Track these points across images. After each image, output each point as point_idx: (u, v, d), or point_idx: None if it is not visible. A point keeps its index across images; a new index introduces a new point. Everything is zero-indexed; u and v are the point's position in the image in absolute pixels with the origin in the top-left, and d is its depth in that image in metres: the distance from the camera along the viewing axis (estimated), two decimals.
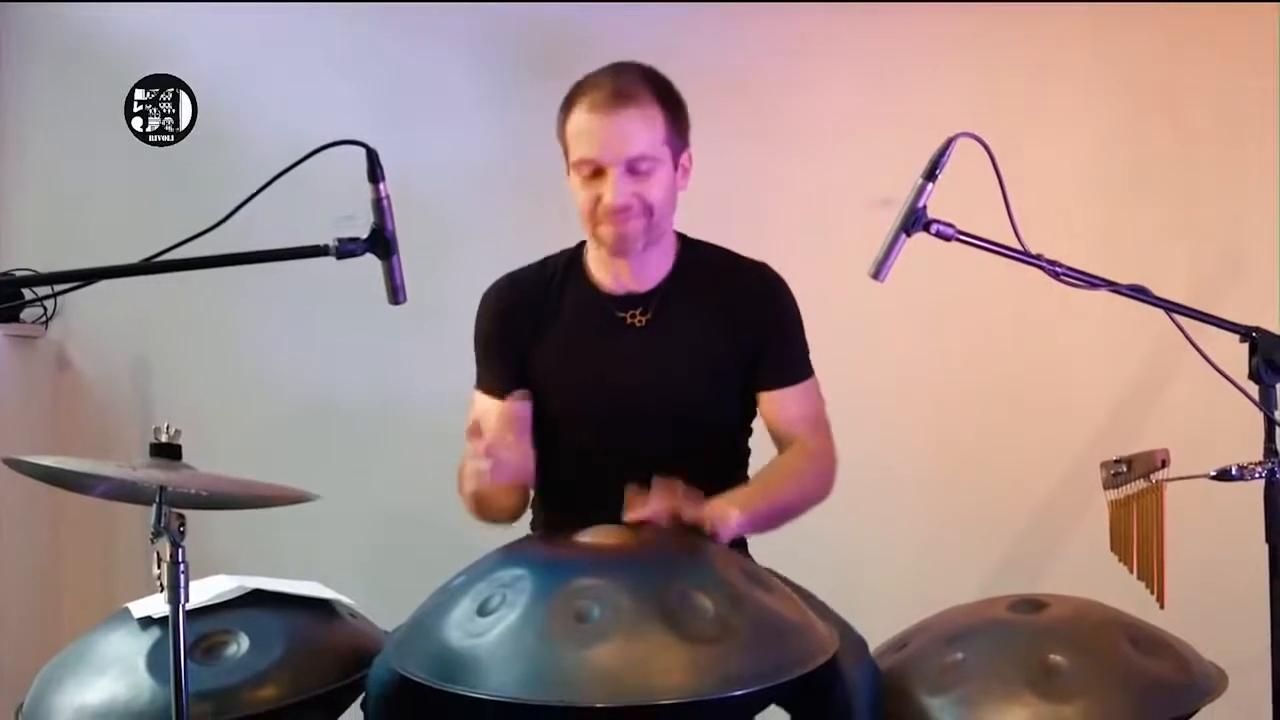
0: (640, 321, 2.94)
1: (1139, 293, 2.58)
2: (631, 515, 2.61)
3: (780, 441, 2.95)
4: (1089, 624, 2.70)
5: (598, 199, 2.81)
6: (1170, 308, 2.58)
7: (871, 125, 4.25)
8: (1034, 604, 2.75)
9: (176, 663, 2.30)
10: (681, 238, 2.99)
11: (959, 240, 2.49)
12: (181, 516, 2.30)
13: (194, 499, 2.44)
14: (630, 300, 2.94)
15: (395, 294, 2.47)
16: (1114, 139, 4.20)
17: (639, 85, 2.82)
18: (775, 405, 2.95)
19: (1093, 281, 2.54)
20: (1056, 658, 2.57)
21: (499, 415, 2.91)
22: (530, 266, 3.04)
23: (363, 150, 2.42)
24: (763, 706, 2.55)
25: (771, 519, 2.81)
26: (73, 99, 4.42)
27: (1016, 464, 4.14)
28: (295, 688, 2.61)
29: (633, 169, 2.79)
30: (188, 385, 4.39)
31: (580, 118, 2.82)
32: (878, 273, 2.51)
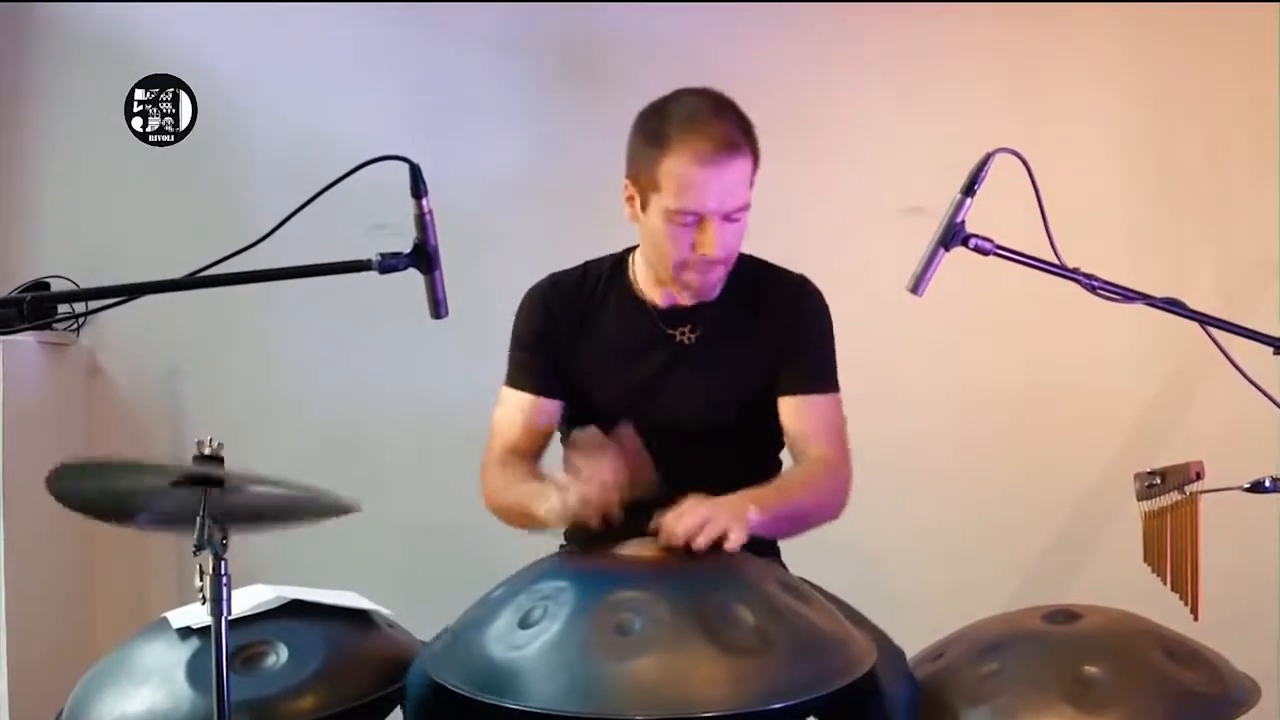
0: (689, 339, 2.94)
1: (1174, 306, 2.59)
2: (664, 542, 2.56)
3: (796, 453, 2.92)
4: (1123, 635, 2.70)
5: (692, 247, 2.78)
6: (1205, 320, 2.59)
7: (901, 131, 4.26)
8: (1068, 615, 2.76)
9: (219, 675, 2.30)
10: None
11: (997, 255, 2.50)
12: (224, 529, 2.31)
13: (238, 516, 2.44)
14: (677, 315, 2.94)
15: (438, 308, 2.48)
16: (1144, 146, 4.20)
17: (738, 132, 2.77)
18: (795, 411, 2.91)
19: (1128, 295, 2.55)
20: (1091, 669, 2.57)
21: (527, 413, 2.94)
22: (573, 270, 3.03)
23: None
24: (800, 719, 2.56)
25: (785, 523, 2.76)
26: (100, 102, 4.40)
27: (1046, 473, 4.14)
28: (334, 698, 2.62)
29: (730, 218, 2.78)
30: (219, 392, 4.39)
31: (685, 166, 2.74)
32: (916, 287, 2.53)
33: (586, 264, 3.05)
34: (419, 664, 2.59)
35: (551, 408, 2.96)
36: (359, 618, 2.84)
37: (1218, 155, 4.15)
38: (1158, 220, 4.16)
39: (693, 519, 2.52)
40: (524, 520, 2.79)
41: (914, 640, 2.85)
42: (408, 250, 2.44)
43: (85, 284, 4.29)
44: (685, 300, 2.93)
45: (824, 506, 2.83)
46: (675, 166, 2.75)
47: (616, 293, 2.98)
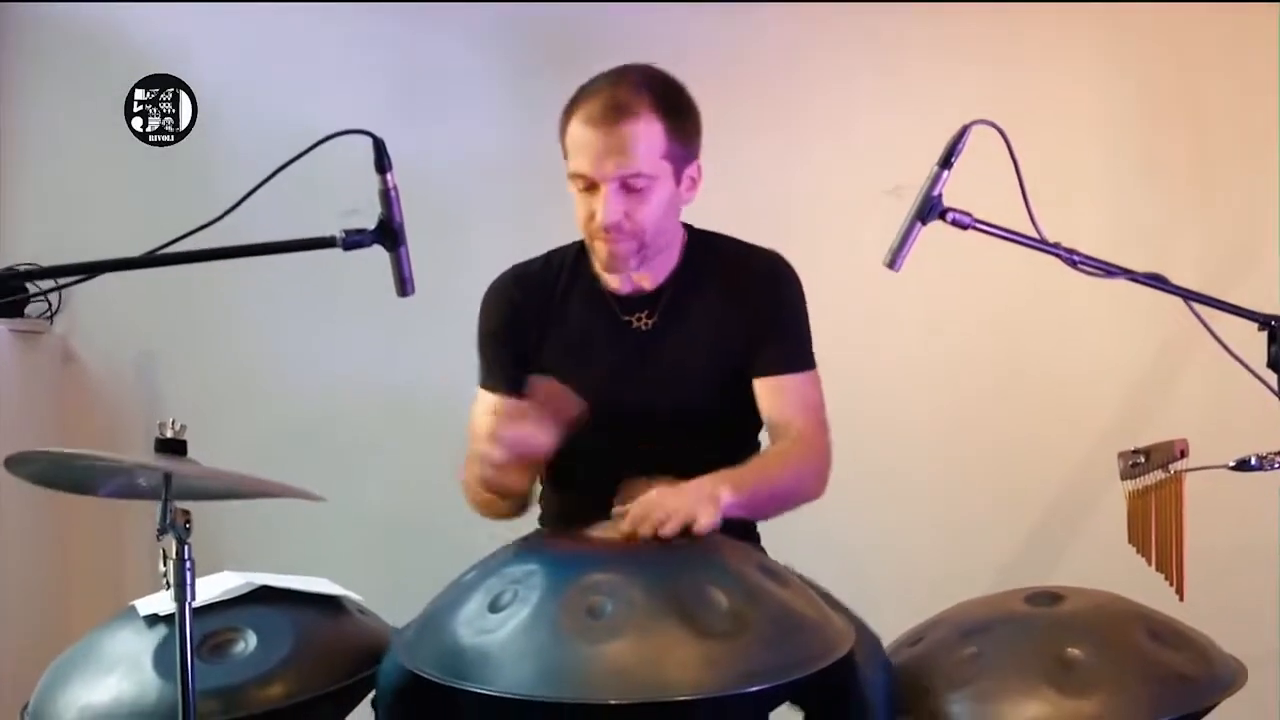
0: (645, 325, 2.88)
1: (1156, 281, 2.55)
2: (625, 530, 2.53)
3: (775, 433, 2.86)
4: (1107, 617, 2.66)
5: (592, 214, 2.75)
6: (1188, 295, 2.55)
7: (882, 113, 4.23)
8: (1051, 597, 2.72)
9: (183, 661, 2.27)
10: (689, 230, 2.93)
11: (976, 229, 2.45)
12: (187, 513, 2.27)
13: (199, 490, 2.40)
14: (637, 301, 2.89)
15: (403, 286, 2.43)
16: (1125, 127, 4.17)
17: (639, 96, 2.73)
18: (771, 393, 2.86)
19: (1109, 270, 2.51)
20: (1074, 651, 2.53)
21: (499, 413, 2.85)
22: (534, 261, 2.98)
23: (369, 141, 2.39)
24: (775, 704, 2.52)
25: (762, 503, 2.72)
26: (74, 91, 4.40)
27: (1029, 456, 4.11)
28: (303, 685, 2.58)
29: (627, 185, 2.72)
30: (193, 380, 4.36)
31: (576, 129, 2.75)
32: (893, 262, 2.48)
33: (549, 254, 2.99)
34: (392, 654, 2.53)
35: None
36: (329, 604, 2.79)
37: (1201, 136, 4.13)
38: (1139, 202, 4.13)
39: (658, 513, 2.48)
40: (498, 505, 2.80)
41: (894, 630, 2.82)
42: (372, 227, 2.37)
43: None
44: (634, 281, 2.88)
45: (803, 484, 2.79)
46: (570, 130, 2.77)
47: (579, 283, 2.92)
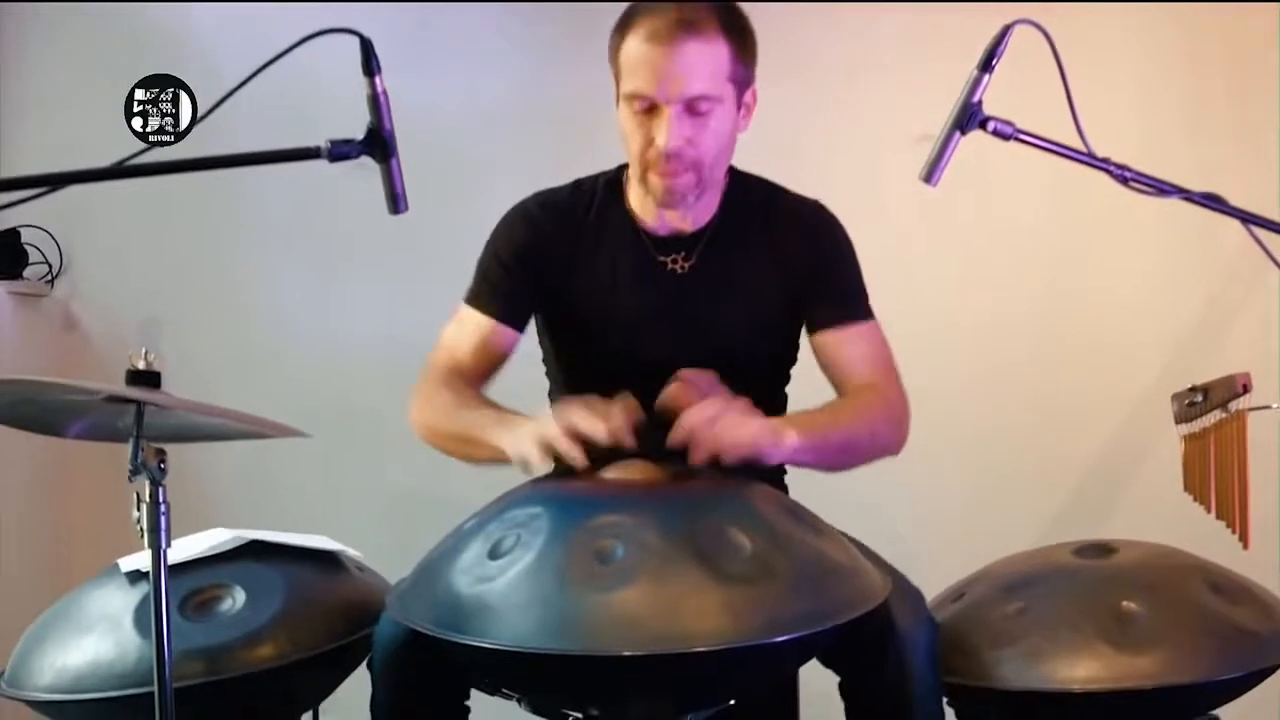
0: (682, 268, 2.71)
1: (1212, 201, 2.35)
2: (673, 441, 2.37)
3: (842, 387, 2.69)
4: (1163, 569, 2.51)
5: (650, 141, 2.57)
6: (1246, 218, 2.34)
7: (910, 60, 4.10)
8: (1101, 549, 2.58)
9: (158, 614, 2.12)
10: (731, 171, 2.76)
11: (1018, 139, 2.25)
12: (162, 451, 2.11)
13: (174, 430, 2.24)
14: (674, 242, 2.72)
15: (396, 202, 2.24)
16: (1165, 71, 4.06)
17: (705, 12, 2.55)
18: (835, 347, 2.70)
19: (1163, 188, 2.31)
20: (1130, 605, 2.39)
21: (483, 338, 2.72)
22: (561, 189, 2.80)
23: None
24: (804, 660, 2.34)
25: (833, 454, 2.53)
26: (74, 46, 4.35)
27: (1074, 403, 3.98)
28: (295, 645, 2.45)
29: (691, 109, 2.55)
30: (198, 345, 4.25)
31: (636, 46, 2.55)
32: (930, 175, 2.27)
33: (577, 182, 2.81)
34: (389, 611, 2.36)
35: (511, 338, 2.74)
36: (325, 559, 2.66)
37: (1242, 71, 4.00)
38: (1180, 145, 3.95)
39: (719, 441, 2.33)
40: (464, 447, 2.58)
41: (934, 584, 2.67)
42: (360, 137, 2.19)
43: (60, 234, 4.19)
44: (675, 221, 2.71)
45: (877, 435, 2.61)
46: (629, 47, 2.57)
47: (612, 216, 2.75)
